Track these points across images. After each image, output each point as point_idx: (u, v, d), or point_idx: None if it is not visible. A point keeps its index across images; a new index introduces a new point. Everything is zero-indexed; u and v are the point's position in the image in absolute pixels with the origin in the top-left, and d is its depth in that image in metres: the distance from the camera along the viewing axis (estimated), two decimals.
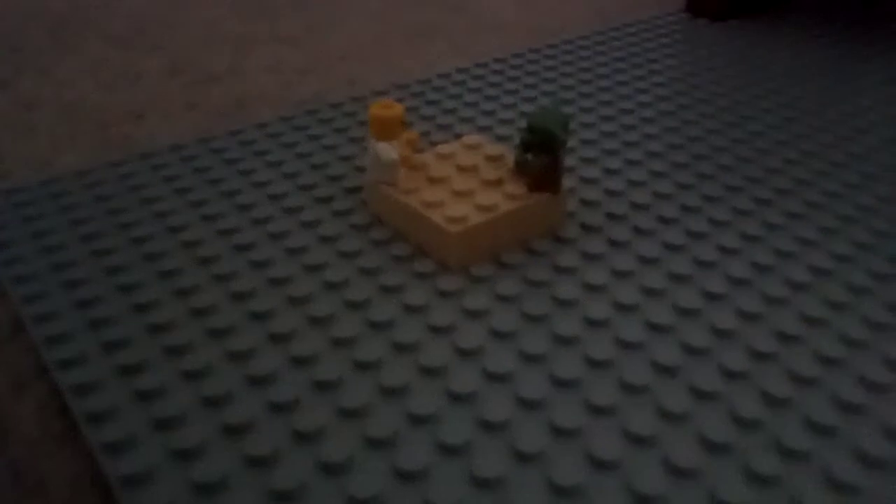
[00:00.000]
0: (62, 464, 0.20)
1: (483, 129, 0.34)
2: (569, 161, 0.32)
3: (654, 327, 0.23)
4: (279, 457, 0.19)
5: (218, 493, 0.18)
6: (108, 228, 0.28)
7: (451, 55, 0.44)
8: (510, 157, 0.29)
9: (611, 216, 0.28)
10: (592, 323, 0.23)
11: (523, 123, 0.35)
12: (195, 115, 0.38)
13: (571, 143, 0.33)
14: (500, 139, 0.33)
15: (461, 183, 0.27)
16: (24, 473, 0.19)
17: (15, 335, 0.24)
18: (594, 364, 0.21)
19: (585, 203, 0.29)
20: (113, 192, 0.30)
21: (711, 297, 0.24)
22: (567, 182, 0.30)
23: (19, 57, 0.44)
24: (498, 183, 0.27)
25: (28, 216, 0.28)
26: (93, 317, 0.23)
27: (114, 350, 0.22)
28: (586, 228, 0.28)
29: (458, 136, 0.34)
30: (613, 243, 0.27)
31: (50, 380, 0.22)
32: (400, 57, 0.44)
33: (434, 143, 0.33)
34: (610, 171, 0.31)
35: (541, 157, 0.26)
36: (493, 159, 0.29)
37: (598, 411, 0.20)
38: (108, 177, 0.31)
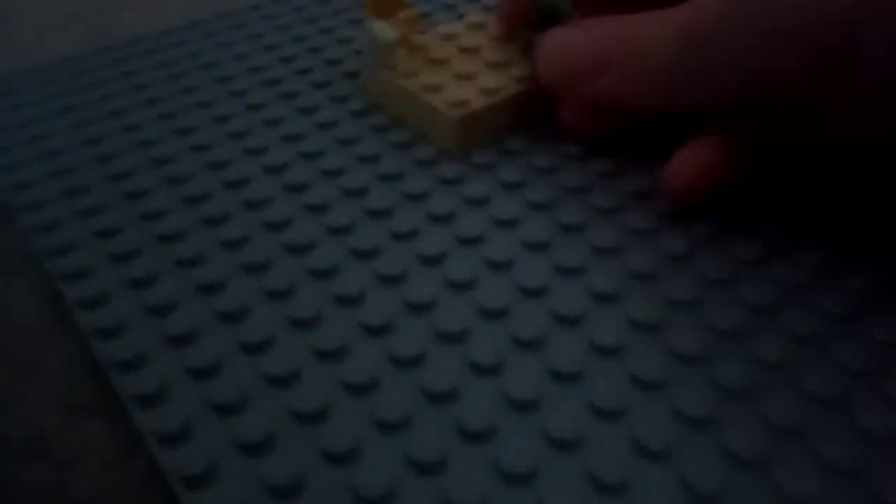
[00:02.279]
0: (55, 347, 0.20)
1: (490, 9, 0.32)
2: None
3: (664, 216, 0.22)
4: (273, 342, 0.18)
5: (211, 375, 0.18)
6: (99, 116, 0.27)
7: None
8: (518, 38, 0.27)
9: None
10: (600, 211, 0.22)
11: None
12: None
13: None
14: None
15: (464, 65, 0.26)
16: (16, 355, 0.19)
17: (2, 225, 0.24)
18: (600, 252, 0.21)
19: None
20: (103, 79, 0.29)
21: None
22: None
23: None
24: (503, 65, 0.26)
25: (15, 105, 0.27)
26: (83, 206, 0.22)
27: (105, 238, 0.22)
28: None
29: (462, 17, 0.32)
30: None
31: (40, 267, 0.22)
32: None
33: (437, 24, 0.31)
34: None
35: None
36: (499, 40, 0.27)
37: (602, 299, 0.19)
38: (97, 63, 0.30)
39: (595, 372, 0.17)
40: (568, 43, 0.23)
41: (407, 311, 0.19)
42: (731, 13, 0.19)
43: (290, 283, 0.20)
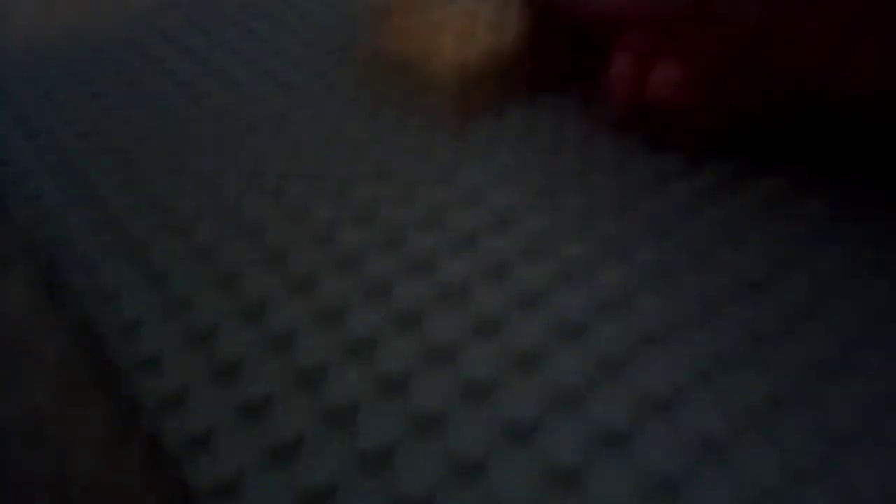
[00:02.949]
0: (51, 332, 0.19)
1: None
2: None
3: (673, 165, 0.21)
4: (271, 305, 0.18)
5: (210, 340, 0.17)
6: (85, 99, 0.26)
7: None
8: None
9: None
10: (601, 164, 0.21)
11: None
12: None
13: None
14: None
15: (463, 27, 0.25)
16: (11, 342, 0.19)
17: None
18: (608, 205, 0.20)
19: None
20: (98, 74, 0.28)
21: None
22: None
23: None
24: (501, 28, 0.25)
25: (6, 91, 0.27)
26: (74, 177, 0.22)
27: (96, 205, 0.21)
28: None
29: None
30: None
31: (35, 256, 0.21)
32: None
33: None
34: None
35: None
36: (501, 2, 0.27)
37: (611, 247, 0.19)
38: (82, 49, 0.29)
39: (600, 323, 0.17)
40: None
41: (409, 269, 0.18)
42: None
43: (288, 245, 0.19)
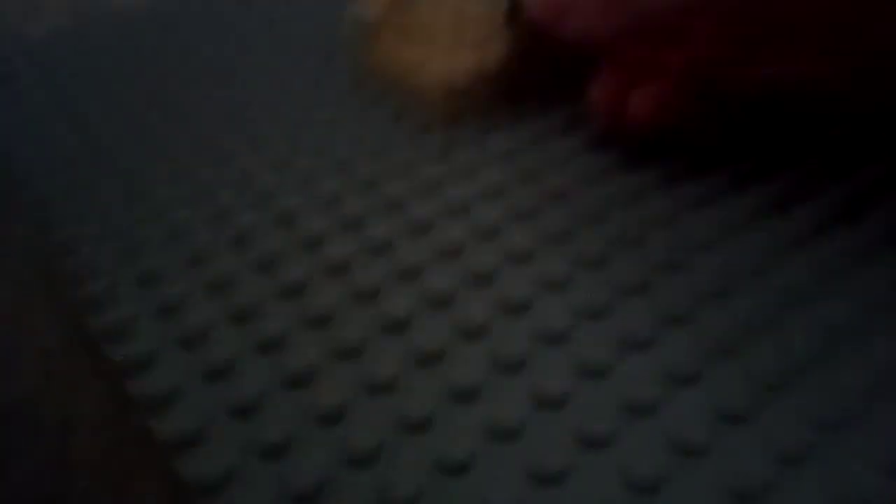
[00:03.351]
0: (47, 316, 0.20)
1: None
2: None
3: (650, 180, 0.22)
4: (263, 309, 0.18)
5: (201, 343, 0.18)
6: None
7: None
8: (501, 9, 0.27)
9: None
10: (585, 179, 0.22)
11: None
12: None
13: None
14: None
15: (449, 39, 0.26)
16: (7, 321, 0.19)
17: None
18: (585, 218, 0.21)
19: None
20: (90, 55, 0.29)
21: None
22: None
23: None
24: (488, 39, 0.26)
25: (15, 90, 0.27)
26: (71, 177, 0.22)
27: (97, 210, 0.22)
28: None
29: None
30: None
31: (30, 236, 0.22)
32: None
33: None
34: None
35: None
36: (488, 13, 0.27)
37: (588, 264, 0.19)
38: (85, 39, 0.30)
39: (581, 331, 0.18)
40: None
41: (397, 278, 0.19)
42: None
43: (279, 252, 0.20)
